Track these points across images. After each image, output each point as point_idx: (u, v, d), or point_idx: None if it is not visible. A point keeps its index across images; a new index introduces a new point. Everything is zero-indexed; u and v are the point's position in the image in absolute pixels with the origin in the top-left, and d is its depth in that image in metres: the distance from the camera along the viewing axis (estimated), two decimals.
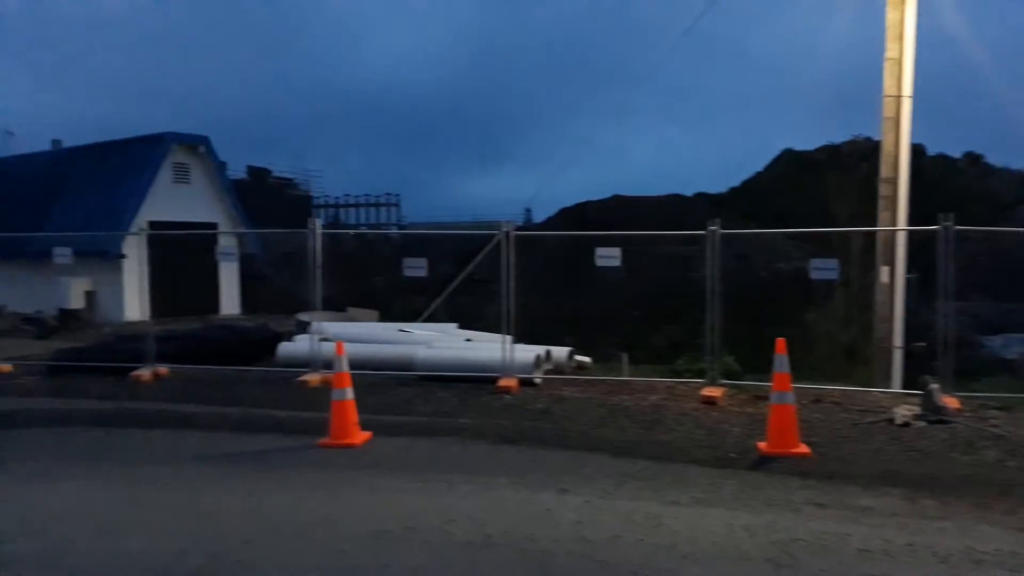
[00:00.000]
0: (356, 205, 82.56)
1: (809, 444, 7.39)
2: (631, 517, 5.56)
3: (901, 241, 10.71)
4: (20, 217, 22.19)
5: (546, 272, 18.85)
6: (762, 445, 7.33)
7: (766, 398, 9.71)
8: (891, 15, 10.64)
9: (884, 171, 10.74)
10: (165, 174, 22.31)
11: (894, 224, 10.66)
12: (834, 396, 9.92)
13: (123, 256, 19.64)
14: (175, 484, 6.53)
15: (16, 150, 28.10)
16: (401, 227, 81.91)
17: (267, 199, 54.56)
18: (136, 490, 6.38)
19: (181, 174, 22.77)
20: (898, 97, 10.66)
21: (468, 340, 13.03)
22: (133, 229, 20.06)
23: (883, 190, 10.73)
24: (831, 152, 32.93)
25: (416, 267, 11.43)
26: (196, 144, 22.97)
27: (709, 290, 9.86)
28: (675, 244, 18.19)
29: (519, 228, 19.71)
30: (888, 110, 10.68)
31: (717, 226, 9.95)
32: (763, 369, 14.83)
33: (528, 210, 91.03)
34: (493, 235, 12.25)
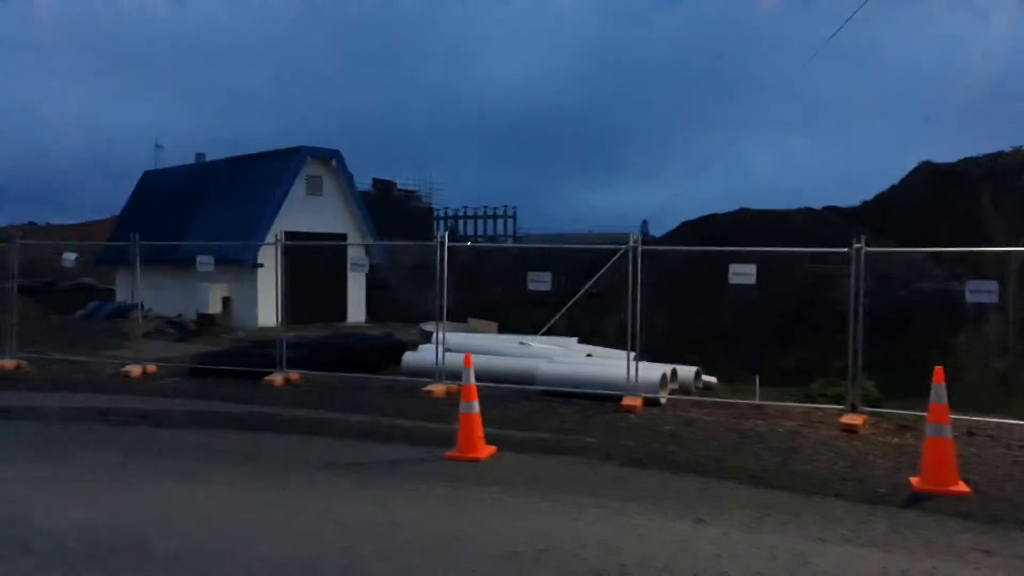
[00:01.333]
0: (474, 216, 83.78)
1: (967, 482, 6.79)
2: (774, 553, 5.22)
3: None
4: (166, 225, 23.61)
5: (670, 287, 18.42)
6: (915, 481, 6.78)
7: (912, 428, 9.12)
8: None
9: None
10: (299, 186, 23.19)
11: None
12: (989, 429, 9.15)
13: (260, 265, 20.52)
14: (309, 491, 6.64)
15: (165, 163, 29.96)
16: (517, 238, 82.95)
17: (391, 211, 56.41)
18: (272, 495, 6.52)
19: (314, 186, 23.62)
20: None
21: (589, 355, 12.84)
22: (269, 239, 21.05)
23: None
24: (974, 165, 30.85)
25: (540, 281, 11.34)
26: (329, 158, 23.77)
27: (852, 311, 9.29)
28: (809, 261, 17.41)
29: (645, 242, 19.42)
30: None
31: (862, 243, 9.39)
32: (902, 395, 13.97)
33: (645, 223, 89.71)
34: (618, 249, 12.03)
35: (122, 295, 24.67)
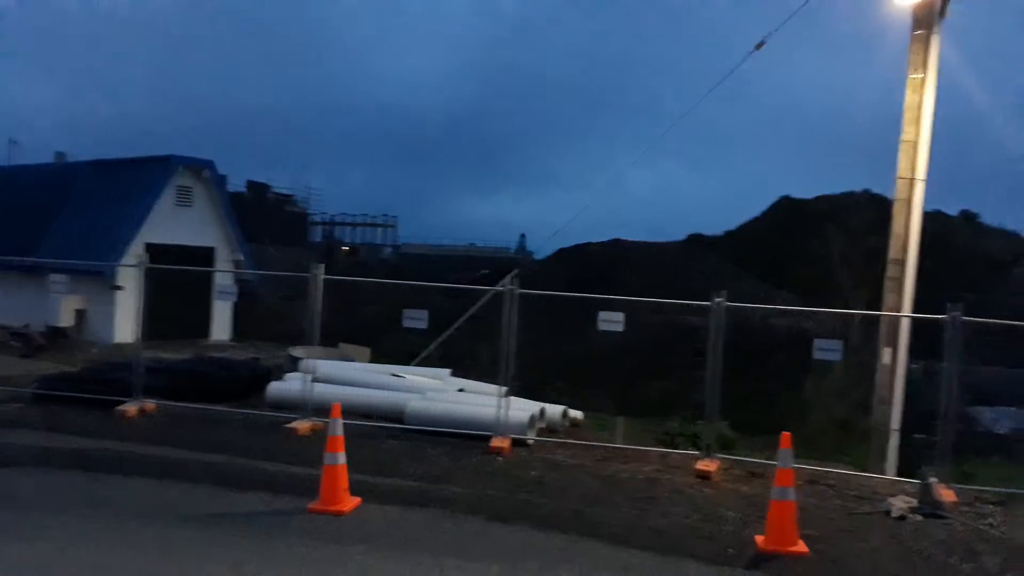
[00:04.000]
0: (352, 224, 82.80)
1: (805, 537, 7.21)
2: None
3: (905, 326, 10.61)
4: (20, 228, 22.00)
5: (543, 321, 18.73)
6: (760, 540, 7.15)
7: (761, 475, 9.62)
8: (909, 98, 10.62)
9: (892, 252, 10.67)
10: (168, 196, 22.19)
11: (899, 308, 10.57)
12: (829, 478, 9.76)
13: (119, 288, 19.49)
14: (157, 547, 6.31)
15: (19, 160, 27.95)
16: (397, 247, 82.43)
17: (265, 214, 54.86)
18: (116, 553, 6.15)
19: (183, 197, 22.65)
20: (911, 180, 10.62)
21: (461, 390, 12.84)
22: (132, 250, 19.97)
23: (891, 271, 10.65)
24: (828, 203, 33.10)
25: (416, 319, 11.28)
26: (200, 168, 22.87)
27: (710, 363, 9.72)
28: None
29: (521, 264, 19.61)
30: (900, 192, 10.64)
31: (723, 298, 9.84)
32: (755, 430, 14.74)
33: (523, 236, 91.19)
34: (494, 289, 12.14)
35: None
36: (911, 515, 8.29)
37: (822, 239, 27.53)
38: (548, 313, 19.10)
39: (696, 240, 31.87)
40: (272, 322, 24.63)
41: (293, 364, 14.10)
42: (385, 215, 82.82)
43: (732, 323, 9.75)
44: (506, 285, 10.88)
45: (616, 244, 27.16)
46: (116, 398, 11.69)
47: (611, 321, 10.36)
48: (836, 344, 9.54)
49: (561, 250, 27.81)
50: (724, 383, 9.61)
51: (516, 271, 16.99)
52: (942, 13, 10.97)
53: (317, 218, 78.11)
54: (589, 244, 27.75)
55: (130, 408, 11.48)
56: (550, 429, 11.95)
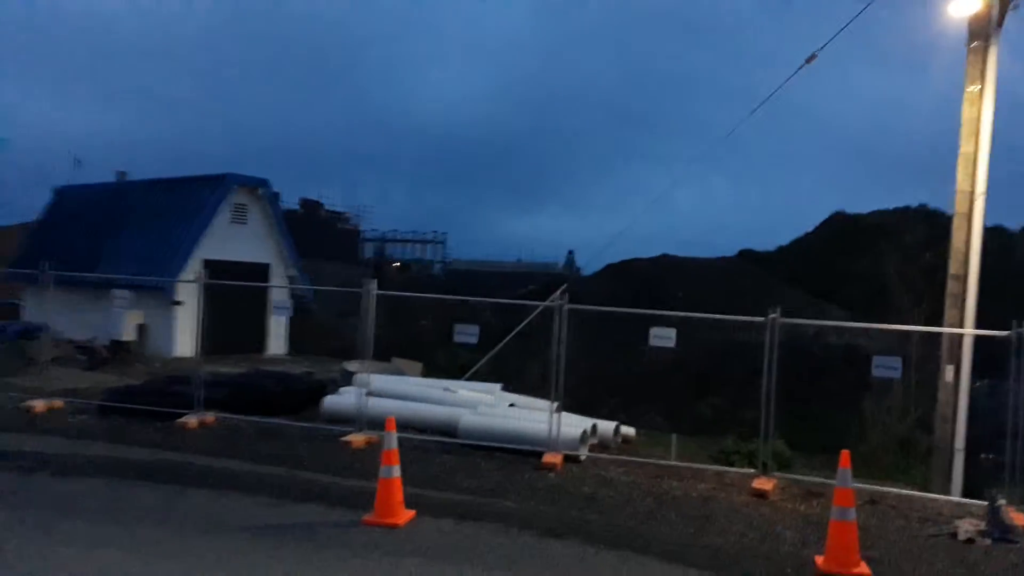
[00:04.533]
0: (403, 240, 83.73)
1: (868, 559, 7.02)
2: None
3: (968, 343, 10.30)
4: (81, 245, 22.73)
5: (594, 336, 18.67)
6: (820, 561, 6.98)
7: (819, 495, 9.41)
8: (967, 111, 10.36)
9: (953, 268, 10.38)
10: (224, 214, 22.73)
11: (961, 324, 10.27)
12: (891, 499, 9.50)
13: (179, 303, 19.99)
14: (214, 559, 6.42)
15: (83, 180, 28.89)
16: (446, 264, 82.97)
17: (318, 231, 55.76)
18: (172, 565, 6.28)
19: (239, 214, 23.18)
20: (971, 193, 10.34)
21: (512, 405, 12.85)
22: (190, 266, 20.51)
23: (951, 287, 10.36)
24: (883, 216, 32.34)
25: (468, 334, 11.33)
26: (255, 186, 23.41)
27: (765, 380, 9.56)
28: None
29: (570, 280, 19.57)
30: (960, 206, 10.36)
31: (777, 314, 9.69)
32: (812, 450, 14.43)
33: (571, 253, 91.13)
34: (544, 304, 12.15)
35: (30, 315, 23.54)
36: (979, 538, 8.01)
37: (876, 255, 26.91)
38: (598, 329, 19.03)
39: (747, 255, 31.45)
40: (326, 337, 25.02)
41: (347, 378, 14.28)
42: (434, 232, 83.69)
43: (786, 339, 9.62)
44: (555, 300, 10.88)
45: (664, 259, 26.95)
46: (177, 410, 11.97)
47: (663, 337, 10.28)
48: (895, 361, 9.31)
49: (609, 266, 27.72)
50: (779, 400, 9.46)
51: (565, 286, 16.96)
52: (999, 23, 10.70)
53: (368, 235, 79.16)
54: (636, 259, 27.58)
55: (190, 420, 11.73)
56: (602, 445, 11.88)
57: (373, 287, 11.47)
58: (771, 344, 9.57)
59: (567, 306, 10.62)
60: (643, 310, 11.11)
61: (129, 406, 12.38)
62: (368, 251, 79.58)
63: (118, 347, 20.50)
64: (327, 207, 66.67)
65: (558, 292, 11.33)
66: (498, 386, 14.02)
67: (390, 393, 12.71)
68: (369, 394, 11.72)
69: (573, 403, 12.60)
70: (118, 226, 23.58)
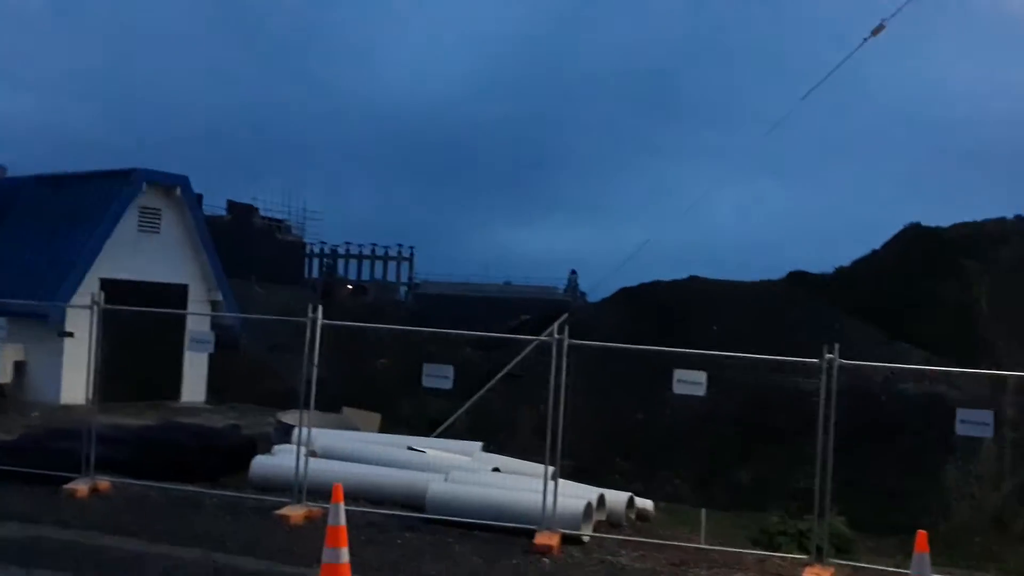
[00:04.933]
0: (359, 256, 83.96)
1: None
2: None
3: None
4: None
5: (601, 379, 18.67)
6: None
7: None
8: None
9: None
10: (130, 220, 22.70)
11: None
12: None
13: (68, 334, 19.91)
14: None
15: None
16: (413, 286, 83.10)
17: (251, 244, 55.68)
18: None
19: (149, 221, 23.17)
20: None
21: (496, 470, 12.80)
22: (84, 287, 20.35)
23: None
24: (973, 231, 32.54)
25: (440, 377, 11.32)
26: (172, 185, 23.41)
27: (821, 439, 9.57)
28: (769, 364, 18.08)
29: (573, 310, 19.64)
30: None
31: (835, 354, 9.71)
32: (877, 528, 14.43)
33: (574, 273, 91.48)
34: (539, 340, 12.18)
35: None
36: None
37: (963, 279, 27.10)
38: (608, 371, 18.98)
39: (799, 279, 31.55)
40: (258, 380, 24.88)
41: (284, 434, 14.20)
42: (399, 246, 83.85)
43: (848, 386, 9.66)
44: (554, 334, 10.90)
45: (693, 283, 27.06)
46: (63, 473, 11.84)
47: (690, 382, 10.28)
48: (986, 416, 9.34)
49: (623, 290, 27.73)
50: (839, 465, 9.46)
51: (566, 316, 17.03)
52: None
53: (316, 249, 79.30)
54: (658, 283, 27.66)
55: (80, 487, 11.60)
56: (611, 523, 11.83)
57: (319, 316, 11.44)
58: (828, 392, 9.57)
59: (568, 341, 10.61)
60: (665, 348, 11.10)
61: (1, 468, 12.26)
62: (315, 269, 79.66)
63: None
64: (263, 213, 66.66)
65: (557, 323, 11.35)
66: (478, 445, 13.98)
67: (339, 454, 12.64)
68: (312, 454, 11.65)
69: (575, 467, 12.55)
70: None
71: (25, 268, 21.75)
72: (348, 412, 17.81)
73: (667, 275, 29.51)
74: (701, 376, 10.23)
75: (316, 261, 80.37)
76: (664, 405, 18.63)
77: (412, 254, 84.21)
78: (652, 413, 19.32)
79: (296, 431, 12.40)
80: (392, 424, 18.63)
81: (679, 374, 10.31)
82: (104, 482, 11.85)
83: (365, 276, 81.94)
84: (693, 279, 27.42)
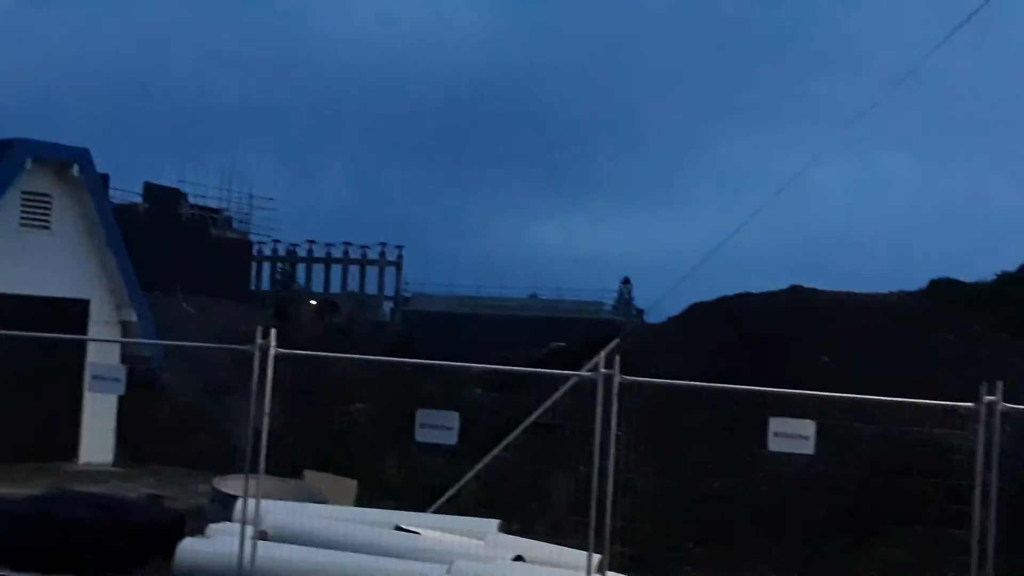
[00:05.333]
0: (328, 260, 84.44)
1: None
2: None
3: None
4: None
5: (665, 429, 18.57)
6: None
7: None
8: None
9: None
10: (9, 210, 22.75)
11: None
12: None
13: None
14: None
15: None
16: (403, 301, 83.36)
17: (176, 243, 56.00)
18: None
19: (35, 211, 23.21)
20: None
21: (519, 559, 12.79)
22: None
23: None
24: None
25: (438, 426, 11.32)
26: (67, 161, 23.45)
27: (979, 518, 9.51)
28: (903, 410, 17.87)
29: (619, 340, 19.65)
30: None
31: (998, 396, 9.66)
32: None
33: (626, 283, 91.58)
34: (579, 375, 12.18)
35: None
36: None
37: None
38: (676, 419, 18.83)
39: (944, 290, 31.38)
40: (187, 432, 24.89)
41: (223, 507, 14.21)
42: (383, 246, 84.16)
43: (1018, 439, 9.58)
44: (600, 367, 10.89)
45: (795, 296, 26.91)
46: None
47: (792, 435, 10.25)
48: None
49: (695, 307, 27.63)
50: (1006, 548, 9.38)
51: (617, 342, 16.99)
52: None
53: (266, 250, 79.73)
54: (745, 296, 27.56)
55: None
56: None
57: (271, 342, 11.46)
58: (988, 447, 9.52)
59: (621, 378, 10.59)
60: (757, 387, 11.06)
61: None
62: (265, 278, 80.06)
63: None
64: (194, 201, 66.95)
65: (604, 353, 11.34)
66: (494, 523, 13.98)
67: (298, 535, 12.66)
68: (262, 536, 11.69)
69: (631, 555, 12.46)
70: None
71: None
72: (312, 477, 17.81)
73: (757, 285, 29.36)
74: (808, 427, 10.19)
75: (267, 267, 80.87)
76: (755, 467, 18.41)
77: (400, 257, 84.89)
78: (737, 479, 19.10)
79: (240, 504, 12.41)
80: (372, 493, 18.58)
81: (776, 424, 10.28)
82: None
83: (335, 287, 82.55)
84: (794, 290, 27.27)
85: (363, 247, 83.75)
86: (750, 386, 11.31)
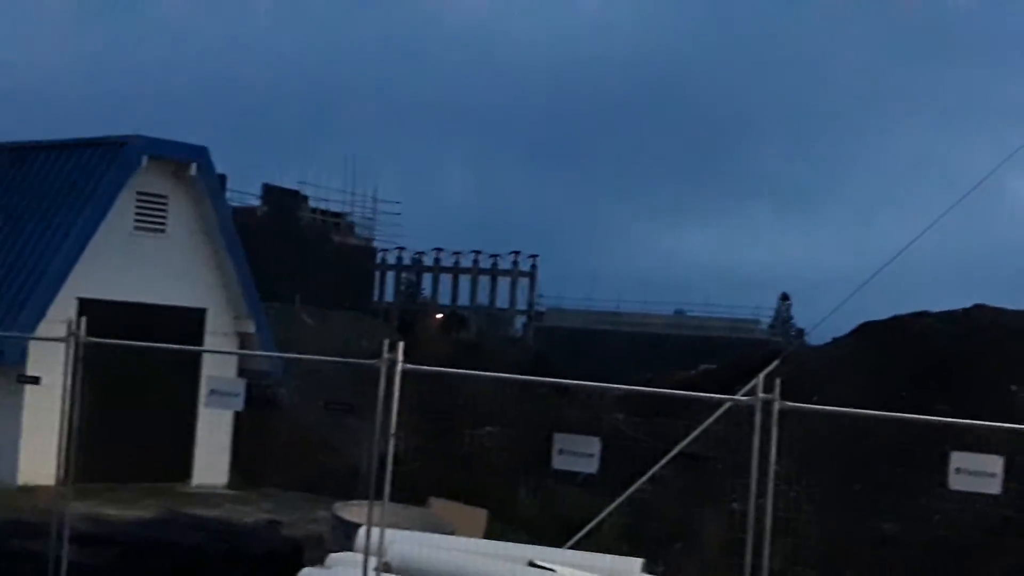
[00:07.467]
0: (457, 270, 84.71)
1: None
2: None
3: None
4: None
5: (832, 463, 18.27)
6: None
7: None
8: None
9: None
10: (123, 212, 23.17)
11: None
12: None
13: (32, 380, 20.34)
14: None
15: None
16: (536, 315, 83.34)
17: (298, 249, 56.63)
18: None
19: (151, 213, 23.63)
20: None
21: None
22: (55, 310, 20.89)
23: None
24: None
25: (577, 452, 11.22)
26: (184, 161, 23.81)
27: None
28: None
29: (779, 361, 19.39)
30: None
31: None
32: None
33: (785, 299, 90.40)
34: (734, 400, 12.01)
35: None
36: None
37: None
38: (842, 451, 18.45)
39: None
40: (306, 454, 25.09)
41: (344, 536, 14.32)
42: (516, 255, 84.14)
43: None
44: (757, 391, 10.74)
45: (979, 316, 26.27)
46: None
47: (977, 472, 9.99)
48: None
49: (866, 326, 27.13)
50: None
51: (776, 363, 16.77)
52: None
53: (390, 258, 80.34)
54: (921, 315, 26.97)
55: None
56: None
57: (398, 356, 11.48)
58: None
59: (781, 404, 10.42)
60: (935, 417, 10.80)
61: None
62: (389, 289, 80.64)
63: None
64: (315, 204, 67.72)
65: (761, 376, 11.19)
66: (638, 563, 13.88)
67: (424, 569, 12.67)
68: (385, 569, 11.72)
69: None
70: None
71: None
72: (439, 506, 17.86)
73: (937, 303, 28.68)
74: (995, 463, 9.93)
75: (391, 276, 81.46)
76: (932, 508, 17.99)
77: (534, 268, 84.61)
78: (912, 520, 18.68)
79: (362, 533, 12.49)
80: (504, 525, 18.58)
81: (959, 459, 10.03)
82: None
83: (463, 300, 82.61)
84: (979, 309, 26.63)
85: (494, 256, 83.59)
86: (926, 416, 11.07)
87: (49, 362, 18.56)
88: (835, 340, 28.55)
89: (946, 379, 22.25)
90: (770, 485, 10.33)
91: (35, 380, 20.37)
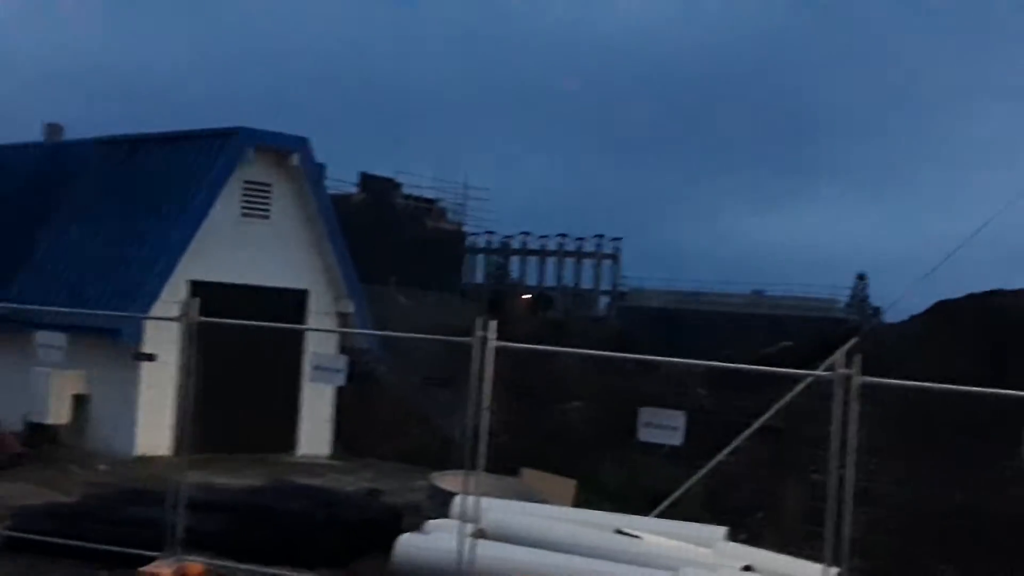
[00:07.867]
0: (543, 253, 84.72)
1: None
2: None
3: None
4: None
5: (907, 438, 18.07)
6: None
7: None
8: None
9: None
10: (230, 200, 23.32)
11: None
12: None
13: (148, 357, 20.62)
14: None
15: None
16: (619, 295, 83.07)
17: (393, 233, 56.87)
18: None
19: (257, 201, 23.79)
20: None
21: (748, 568, 12.61)
22: (168, 291, 21.07)
23: None
24: None
25: (663, 426, 11.20)
26: (287, 150, 23.91)
27: None
28: None
29: (857, 339, 19.17)
30: None
31: None
32: None
33: (862, 279, 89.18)
34: (814, 375, 11.92)
35: None
36: None
37: None
38: (917, 424, 18.24)
39: None
40: (404, 427, 25.23)
41: (440, 504, 14.39)
42: (600, 238, 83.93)
43: None
44: (837, 367, 10.65)
45: None
46: (139, 552, 12.32)
47: None
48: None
49: (942, 305, 26.76)
50: None
51: (855, 340, 16.62)
52: None
53: (480, 242, 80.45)
54: (997, 293, 26.54)
55: (162, 570, 12.03)
56: None
57: (491, 334, 11.50)
58: None
59: (861, 379, 10.34)
60: (1007, 391, 10.64)
61: (56, 540, 12.86)
62: (479, 270, 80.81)
63: (39, 435, 21.28)
64: (408, 191, 68.00)
65: (840, 352, 11.11)
66: (721, 531, 13.82)
67: (517, 535, 12.72)
68: (480, 535, 11.78)
69: (870, 569, 12.14)
70: (42, 220, 24.65)
71: (89, 265, 22.85)
72: (530, 476, 17.87)
73: (1013, 281, 28.12)
74: None
75: (480, 259, 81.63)
76: (1005, 480, 17.71)
77: (618, 250, 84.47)
78: (986, 493, 18.42)
79: (458, 501, 12.53)
80: (592, 495, 18.56)
81: None
82: (196, 564, 12.24)
83: (549, 281, 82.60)
84: None
85: (579, 239, 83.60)
86: (1000, 390, 10.90)
87: (163, 341, 18.96)
88: (912, 317, 28.24)
89: (1019, 354, 21.91)
90: (850, 456, 10.25)
91: (151, 357, 20.78)
